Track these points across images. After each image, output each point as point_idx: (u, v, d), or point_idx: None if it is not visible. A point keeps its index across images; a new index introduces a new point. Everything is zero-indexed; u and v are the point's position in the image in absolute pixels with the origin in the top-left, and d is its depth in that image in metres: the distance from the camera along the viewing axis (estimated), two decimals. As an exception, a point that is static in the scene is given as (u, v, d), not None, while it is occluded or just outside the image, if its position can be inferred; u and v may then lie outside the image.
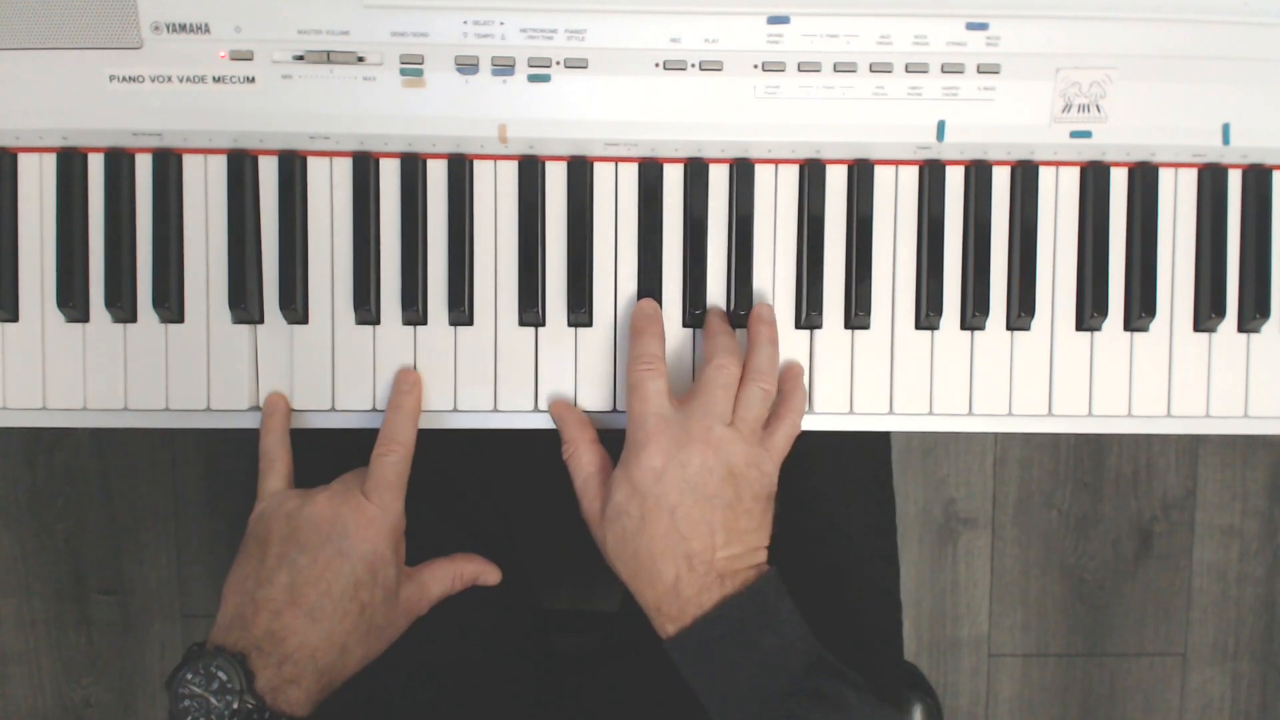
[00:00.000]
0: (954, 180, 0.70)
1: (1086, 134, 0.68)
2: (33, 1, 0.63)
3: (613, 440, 0.68)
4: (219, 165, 0.68)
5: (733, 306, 0.69)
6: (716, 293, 0.69)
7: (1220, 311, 0.70)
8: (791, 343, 0.70)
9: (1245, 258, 0.71)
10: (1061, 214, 0.70)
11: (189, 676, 0.57)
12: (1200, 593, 1.48)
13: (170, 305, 0.67)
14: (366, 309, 0.68)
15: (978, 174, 0.70)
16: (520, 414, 0.69)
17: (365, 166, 0.68)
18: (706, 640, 0.59)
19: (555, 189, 0.69)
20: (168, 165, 0.68)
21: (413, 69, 0.65)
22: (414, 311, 0.68)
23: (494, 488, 0.82)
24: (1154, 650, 1.48)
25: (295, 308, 0.68)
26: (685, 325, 0.70)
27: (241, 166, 0.68)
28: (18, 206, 0.68)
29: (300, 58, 0.65)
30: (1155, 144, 0.69)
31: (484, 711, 0.75)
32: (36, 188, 0.68)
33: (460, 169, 0.68)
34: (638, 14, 0.65)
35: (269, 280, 0.68)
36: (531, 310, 0.68)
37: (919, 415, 0.70)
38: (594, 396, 0.69)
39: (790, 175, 0.70)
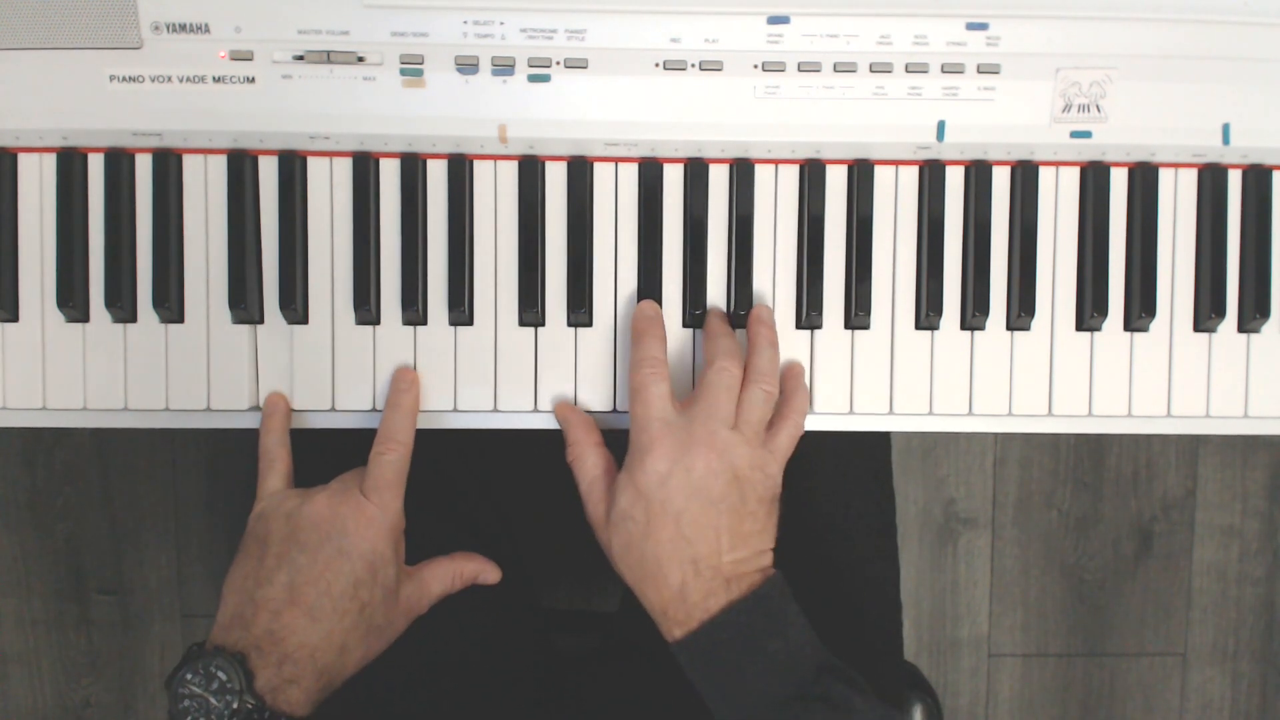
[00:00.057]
0: (954, 180, 0.70)
1: (1086, 134, 0.68)
2: (33, 1, 0.63)
3: (613, 440, 0.68)
4: (219, 165, 0.68)
5: (733, 307, 0.69)
6: (716, 293, 0.69)
7: (1220, 311, 0.70)
8: (791, 343, 0.70)
9: (1245, 258, 0.71)
10: (1061, 214, 0.70)
11: (189, 676, 0.57)
12: (1200, 593, 1.48)
13: (170, 305, 0.67)
14: (366, 309, 0.68)
15: (978, 174, 0.70)
16: (520, 414, 0.69)
17: (365, 166, 0.68)
18: (713, 645, 0.59)
19: (555, 189, 0.69)
20: (168, 165, 0.68)
21: (413, 69, 0.65)
22: (414, 311, 0.68)
23: (494, 488, 0.82)
24: (1154, 650, 1.48)
25: (295, 308, 0.68)
26: (685, 325, 0.70)
27: (241, 166, 0.68)
28: (18, 206, 0.68)
29: (300, 58, 0.65)
30: (1155, 144, 0.69)
31: (484, 711, 0.75)
32: (36, 188, 0.68)
33: (460, 169, 0.68)
34: (638, 14, 0.65)
35: (269, 280, 0.68)
36: (531, 310, 0.68)
37: (919, 415, 0.70)
38: (593, 396, 0.69)
39: (790, 175, 0.70)
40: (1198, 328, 0.71)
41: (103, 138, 0.67)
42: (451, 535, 0.73)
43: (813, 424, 0.70)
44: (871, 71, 0.66)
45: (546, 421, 0.69)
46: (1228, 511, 1.47)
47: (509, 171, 0.69)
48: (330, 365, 0.69)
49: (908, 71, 0.66)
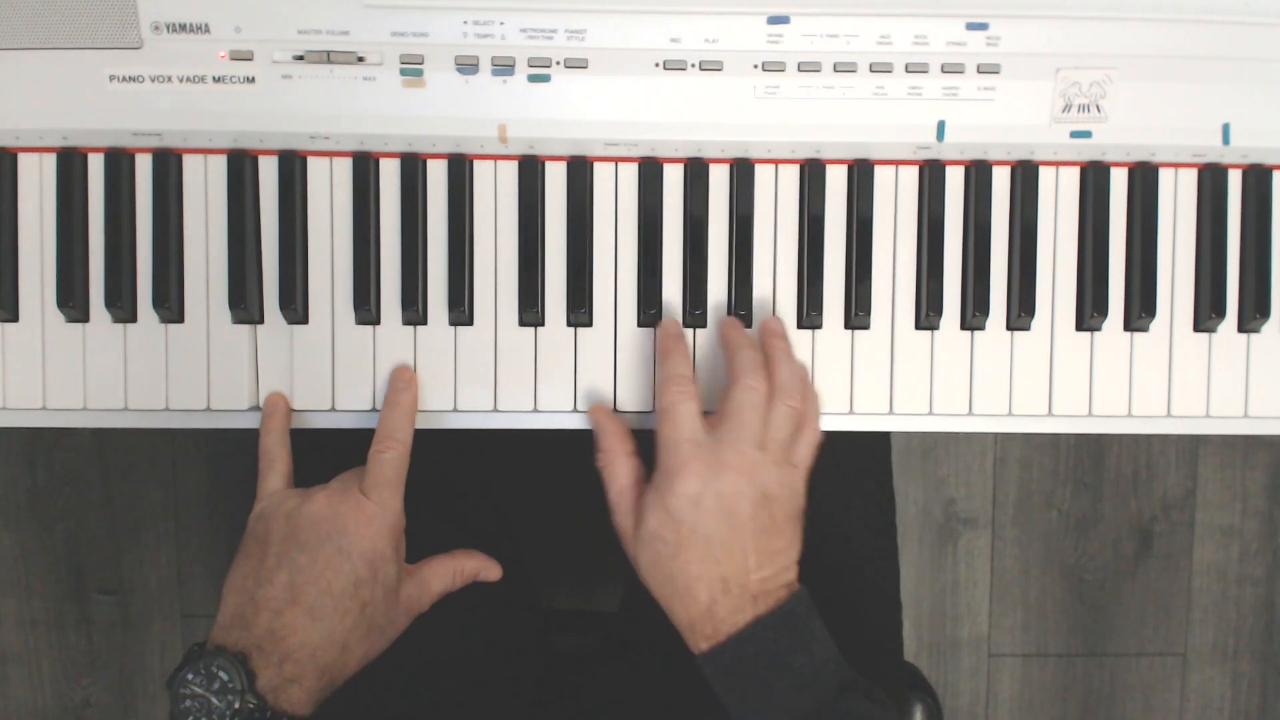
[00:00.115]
0: (954, 180, 0.70)
1: (1086, 134, 0.68)
2: (33, 1, 0.63)
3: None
4: (219, 165, 0.68)
5: (733, 307, 0.69)
6: (717, 293, 0.69)
7: (1220, 311, 0.70)
8: (792, 343, 0.69)
9: (1245, 258, 0.71)
10: (1061, 214, 0.70)
11: (190, 676, 0.57)
12: (1200, 593, 1.48)
13: (170, 305, 0.68)
14: (366, 309, 0.68)
15: (978, 174, 0.70)
16: (520, 414, 0.69)
17: (365, 166, 0.68)
18: (739, 659, 0.59)
19: (555, 189, 0.69)
20: (168, 165, 0.68)
21: (413, 69, 0.65)
22: (414, 311, 0.68)
23: (494, 488, 0.82)
24: (1154, 650, 1.48)
25: (295, 308, 0.68)
26: (685, 326, 0.69)
27: (241, 166, 0.68)
28: (18, 206, 0.68)
29: (300, 58, 0.65)
30: (1155, 144, 0.69)
31: (484, 710, 0.75)
32: (36, 188, 0.68)
33: (460, 169, 0.68)
34: (638, 14, 0.65)
35: (269, 280, 0.68)
36: (531, 310, 0.68)
37: (919, 415, 0.70)
38: (594, 397, 0.69)
39: (790, 175, 0.70)
40: (1198, 328, 0.71)
41: (103, 138, 0.67)
42: (451, 535, 0.73)
43: (813, 424, 0.70)
44: (871, 71, 0.66)
45: (547, 422, 0.69)
46: (1228, 511, 1.47)
47: (509, 171, 0.69)
48: (330, 365, 0.69)
49: (908, 71, 0.66)
